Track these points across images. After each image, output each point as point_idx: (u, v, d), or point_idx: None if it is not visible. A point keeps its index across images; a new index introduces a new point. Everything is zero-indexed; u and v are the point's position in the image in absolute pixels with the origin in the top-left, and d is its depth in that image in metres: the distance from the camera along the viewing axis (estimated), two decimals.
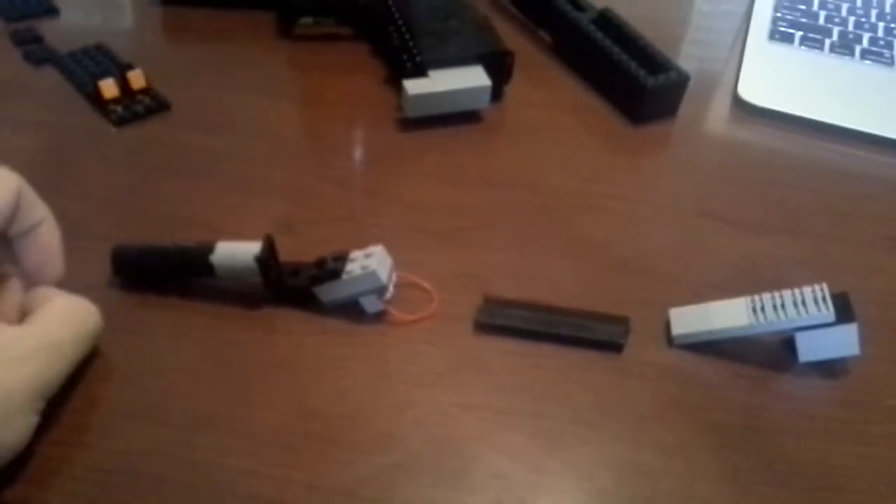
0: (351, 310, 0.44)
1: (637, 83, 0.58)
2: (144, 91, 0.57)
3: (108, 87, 0.55)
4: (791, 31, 0.70)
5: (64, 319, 0.38)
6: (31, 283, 0.39)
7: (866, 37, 0.71)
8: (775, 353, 0.45)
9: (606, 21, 0.63)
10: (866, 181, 0.58)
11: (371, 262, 0.43)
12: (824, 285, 0.43)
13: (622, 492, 0.38)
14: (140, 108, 0.55)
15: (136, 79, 0.56)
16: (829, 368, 0.44)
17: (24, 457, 0.36)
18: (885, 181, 0.58)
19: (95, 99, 0.56)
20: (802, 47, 0.69)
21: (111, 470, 0.37)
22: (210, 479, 0.37)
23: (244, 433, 0.39)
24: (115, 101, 0.56)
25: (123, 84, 0.56)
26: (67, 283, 0.44)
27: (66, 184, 0.50)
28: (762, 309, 0.43)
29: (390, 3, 0.60)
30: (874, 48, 0.69)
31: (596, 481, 0.39)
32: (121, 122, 0.55)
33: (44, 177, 0.50)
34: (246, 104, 0.58)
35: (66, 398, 0.39)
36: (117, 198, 0.50)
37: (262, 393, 0.40)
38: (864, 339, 0.43)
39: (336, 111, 0.59)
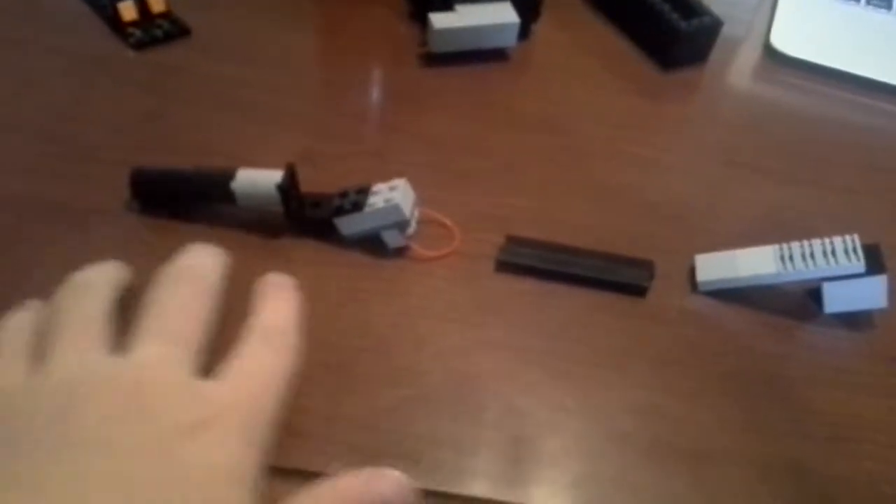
0: (372, 244, 0.43)
1: (670, 27, 0.57)
2: (164, 15, 0.55)
3: (128, 10, 0.54)
4: None
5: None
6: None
7: None
8: (800, 303, 0.44)
9: None
10: None
11: (395, 195, 0.42)
12: (855, 236, 0.42)
13: (642, 435, 0.38)
14: (159, 32, 0.54)
15: (156, 2, 0.55)
16: (854, 321, 0.44)
17: None
18: None
19: (114, 22, 0.54)
20: None
21: None
22: None
23: None
24: (133, 24, 0.54)
25: (143, 7, 0.55)
26: (83, 207, 0.43)
27: (84, 108, 0.49)
28: (790, 257, 0.42)
29: None
30: None
31: (616, 423, 0.38)
32: (139, 45, 0.53)
33: (61, 101, 0.50)
34: (267, 33, 0.56)
35: None
36: (135, 123, 0.49)
37: None
38: (890, 293, 0.42)
39: (359, 44, 0.57)
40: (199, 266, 0.37)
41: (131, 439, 0.29)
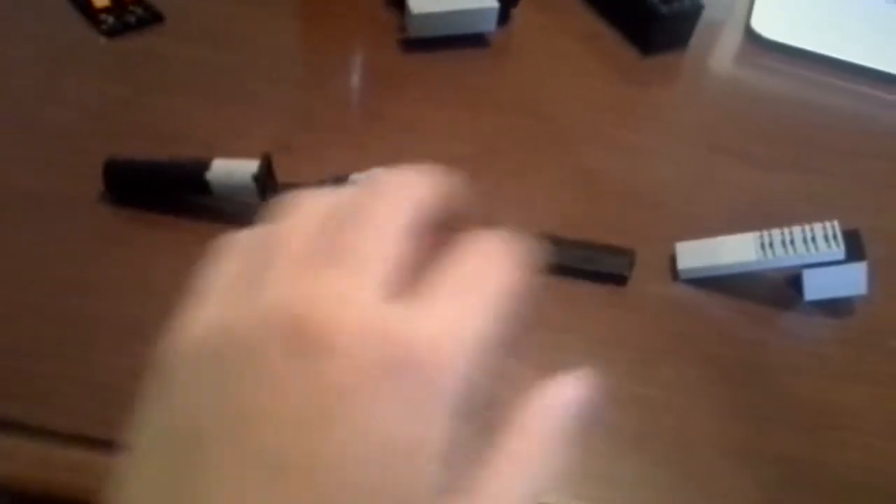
0: None
1: (650, 10, 0.56)
2: (136, 1, 0.54)
3: None
4: None
5: None
6: None
7: None
8: (780, 290, 0.44)
9: None
10: (880, 120, 0.56)
11: None
12: (835, 222, 0.42)
13: (625, 426, 0.38)
14: (132, 18, 0.53)
15: None
16: (834, 307, 0.44)
17: (22, 374, 0.36)
18: None
19: (85, 8, 0.53)
20: None
21: (111, 387, 0.36)
22: None
23: None
24: (105, 10, 0.53)
25: None
26: (55, 196, 0.42)
27: (56, 95, 0.48)
28: (770, 245, 0.42)
29: None
30: None
31: (600, 414, 0.38)
32: (112, 32, 0.52)
33: (33, 88, 0.49)
34: (242, 18, 0.55)
35: (61, 311, 0.38)
36: (109, 111, 0.48)
37: None
38: (870, 279, 0.42)
39: (337, 29, 0.56)
40: None
41: None
